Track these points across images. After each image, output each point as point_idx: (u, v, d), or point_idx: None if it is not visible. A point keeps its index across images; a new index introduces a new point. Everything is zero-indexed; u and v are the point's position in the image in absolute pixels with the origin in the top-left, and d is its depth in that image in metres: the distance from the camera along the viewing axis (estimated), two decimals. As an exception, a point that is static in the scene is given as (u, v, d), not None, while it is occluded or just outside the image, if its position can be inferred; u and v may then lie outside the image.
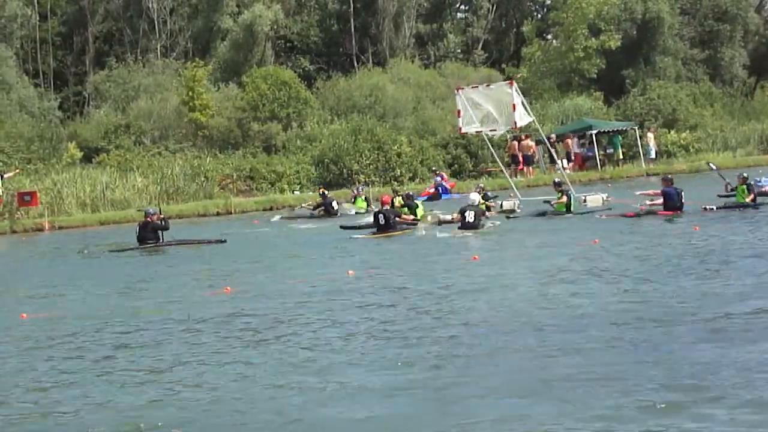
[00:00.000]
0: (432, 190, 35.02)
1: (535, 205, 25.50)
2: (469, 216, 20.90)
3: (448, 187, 35.46)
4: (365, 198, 30.74)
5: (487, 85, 31.55)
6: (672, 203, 21.32)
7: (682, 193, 21.70)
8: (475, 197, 21.97)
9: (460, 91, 29.77)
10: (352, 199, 30.87)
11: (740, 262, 13.92)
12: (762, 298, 10.96)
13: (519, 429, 6.87)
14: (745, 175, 22.76)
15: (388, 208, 21.74)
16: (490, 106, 28.56)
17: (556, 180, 25.66)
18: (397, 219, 21.58)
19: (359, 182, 35.64)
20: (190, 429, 7.36)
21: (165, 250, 21.24)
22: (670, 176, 23.23)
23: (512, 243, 19.13)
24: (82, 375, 9.25)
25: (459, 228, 20.93)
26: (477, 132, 30.54)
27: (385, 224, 21.19)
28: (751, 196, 21.96)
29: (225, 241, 21.54)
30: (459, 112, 29.34)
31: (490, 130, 29.58)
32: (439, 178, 35.77)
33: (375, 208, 28.09)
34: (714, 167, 26.84)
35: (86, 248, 21.93)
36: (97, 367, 9.56)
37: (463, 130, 30.33)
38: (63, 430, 7.57)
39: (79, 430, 7.50)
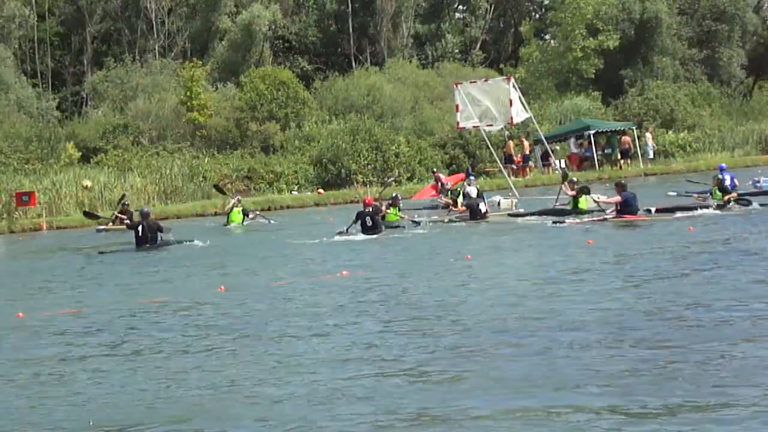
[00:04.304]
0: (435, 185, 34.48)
1: (532, 204, 25.50)
2: (483, 206, 22.44)
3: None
4: (242, 210, 27.34)
5: (485, 80, 31.58)
6: (631, 208, 20.87)
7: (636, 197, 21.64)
8: (473, 190, 23.40)
9: (458, 86, 29.78)
10: (228, 210, 27.56)
11: (738, 261, 13.91)
12: (759, 296, 10.97)
13: (514, 427, 6.87)
14: (720, 176, 22.91)
15: (371, 209, 21.67)
16: (488, 102, 28.62)
17: (573, 179, 25.53)
18: (381, 220, 21.79)
19: (237, 190, 33.67)
20: (188, 427, 7.36)
21: (164, 250, 21.26)
22: (623, 181, 22.66)
23: (507, 242, 19.12)
24: (79, 374, 9.25)
25: (471, 219, 22.52)
26: (474, 127, 30.55)
27: (373, 225, 21.29)
28: (732, 195, 22.11)
29: (193, 241, 21.97)
30: (457, 107, 29.36)
31: (487, 126, 29.58)
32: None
33: (259, 218, 27.05)
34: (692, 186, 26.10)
35: (108, 248, 21.89)
36: (92, 366, 9.56)
37: (460, 125, 30.33)
38: (60, 427, 7.56)
39: (76, 426, 7.50)
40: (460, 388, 7.86)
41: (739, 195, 22.48)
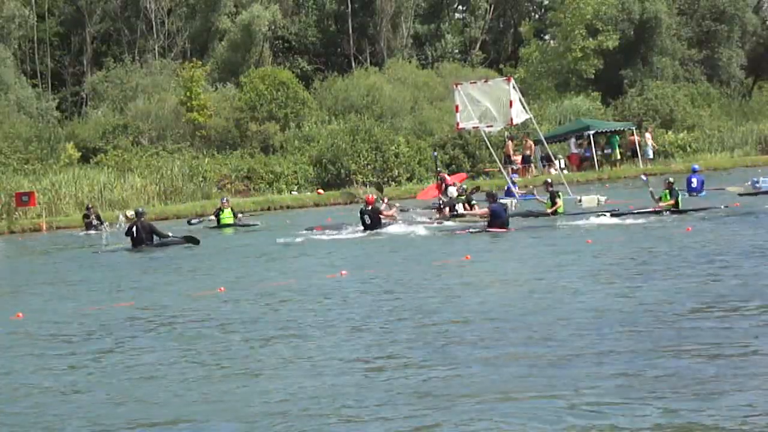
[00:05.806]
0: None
1: (533, 205, 25.51)
2: (460, 208, 23.00)
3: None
4: (232, 209, 27.50)
5: (485, 81, 31.53)
6: (501, 220, 20.27)
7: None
8: (453, 190, 24.10)
9: (458, 86, 29.73)
10: (217, 212, 27.38)
11: (737, 261, 13.93)
12: (756, 295, 10.98)
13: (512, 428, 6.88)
14: (671, 180, 22.52)
15: (372, 207, 21.91)
16: (488, 103, 28.58)
17: (548, 180, 25.44)
18: (380, 217, 22.13)
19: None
20: (188, 426, 7.37)
21: (162, 249, 21.27)
22: (494, 192, 22.22)
23: (504, 243, 19.12)
24: (78, 374, 9.26)
25: (452, 217, 23.21)
26: (474, 128, 30.53)
27: (371, 224, 21.61)
28: (672, 201, 21.80)
29: (199, 242, 21.83)
30: (457, 107, 29.30)
31: (487, 126, 29.55)
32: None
33: (241, 218, 26.94)
34: (645, 178, 25.35)
35: (103, 246, 21.92)
36: (92, 367, 9.56)
37: (460, 126, 30.27)
38: (57, 427, 7.57)
39: (74, 427, 7.51)
40: (461, 387, 7.87)
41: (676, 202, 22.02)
